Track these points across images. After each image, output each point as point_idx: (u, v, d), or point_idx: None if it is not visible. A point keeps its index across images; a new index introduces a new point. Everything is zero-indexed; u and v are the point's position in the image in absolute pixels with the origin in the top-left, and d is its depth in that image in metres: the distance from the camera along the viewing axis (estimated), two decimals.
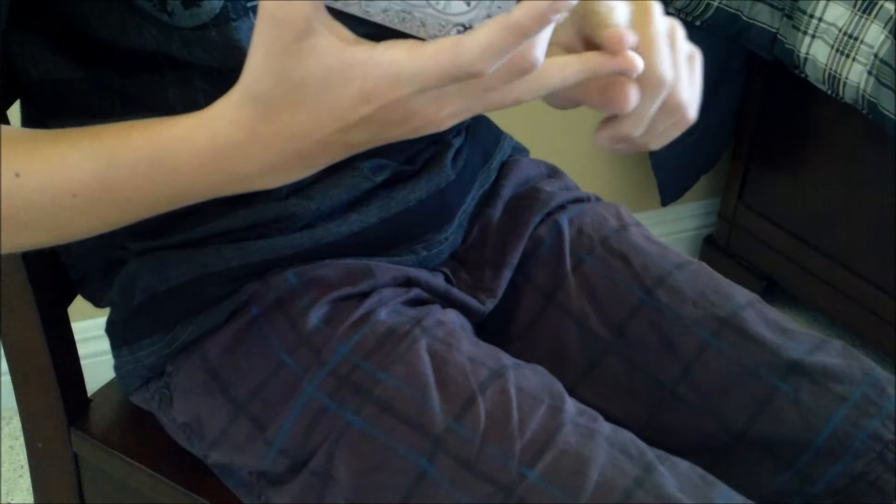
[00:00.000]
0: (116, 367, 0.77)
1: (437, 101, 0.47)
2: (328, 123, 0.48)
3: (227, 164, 0.51)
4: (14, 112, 0.71)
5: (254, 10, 0.62)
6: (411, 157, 0.74)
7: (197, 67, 0.63)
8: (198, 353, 0.70)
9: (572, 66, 0.50)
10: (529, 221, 0.79)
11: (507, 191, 0.82)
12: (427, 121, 0.48)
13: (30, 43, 0.65)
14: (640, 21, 0.57)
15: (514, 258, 0.78)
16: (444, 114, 0.48)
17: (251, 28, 0.62)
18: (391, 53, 0.46)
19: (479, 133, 0.81)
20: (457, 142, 0.77)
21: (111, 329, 0.75)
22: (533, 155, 0.88)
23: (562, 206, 0.82)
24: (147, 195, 0.54)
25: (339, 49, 0.46)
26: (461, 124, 0.79)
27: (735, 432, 0.71)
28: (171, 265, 0.70)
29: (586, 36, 0.57)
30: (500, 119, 0.87)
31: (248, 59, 0.48)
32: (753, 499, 0.70)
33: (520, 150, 0.87)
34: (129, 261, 0.71)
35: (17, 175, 0.53)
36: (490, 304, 0.76)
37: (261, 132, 0.49)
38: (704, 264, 0.79)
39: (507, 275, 0.77)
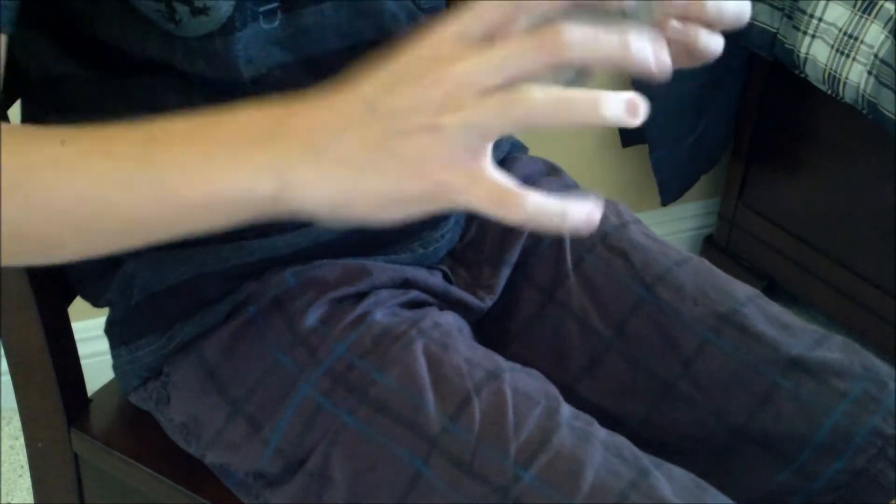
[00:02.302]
0: (115, 367, 0.77)
1: None
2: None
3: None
4: (14, 111, 0.72)
5: (263, 14, 0.62)
6: None
7: (197, 77, 0.63)
8: (195, 353, 0.70)
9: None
10: None
11: None
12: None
13: (33, 40, 0.65)
14: None
15: (513, 256, 0.78)
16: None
17: (254, 35, 0.62)
18: None
19: None
20: None
21: (110, 329, 0.75)
22: (533, 155, 0.88)
23: None
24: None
25: None
26: None
27: (735, 429, 0.71)
28: (169, 265, 0.70)
29: None
30: None
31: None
32: (755, 497, 0.70)
33: (518, 148, 0.87)
34: (126, 260, 0.71)
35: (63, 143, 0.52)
36: (489, 301, 0.77)
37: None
38: (704, 260, 0.79)
39: (505, 272, 0.78)
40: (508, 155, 0.85)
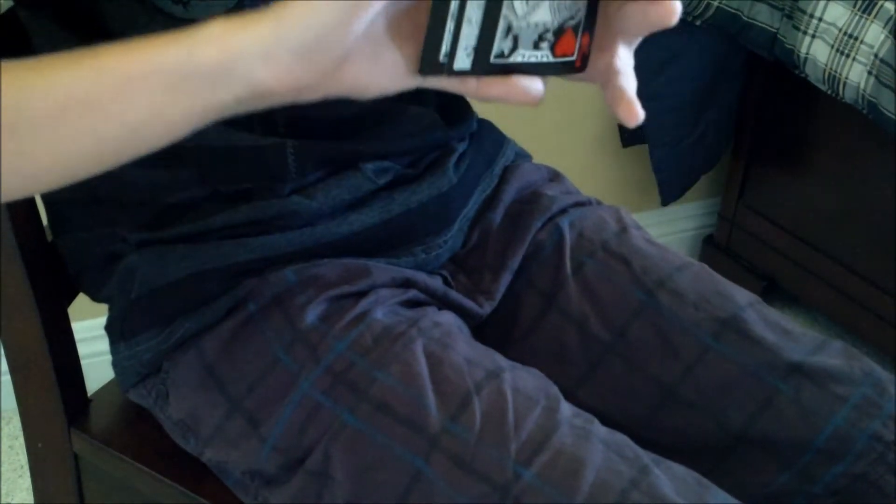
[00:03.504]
0: (114, 363, 0.77)
1: None
2: None
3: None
4: None
5: None
6: (415, 160, 0.74)
7: None
8: (195, 349, 0.70)
9: None
10: (531, 226, 0.79)
11: (509, 195, 0.82)
12: None
13: (45, 27, 0.66)
14: None
15: (515, 262, 0.78)
16: None
17: None
18: None
19: (483, 138, 0.81)
20: (461, 147, 0.77)
21: (109, 325, 0.75)
22: (533, 156, 0.88)
23: (563, 211, 0.82)
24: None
25: None
26: (466, 129, 0.79)
27: (736, 433, 0.71)
28: (171, 260, 0.70)
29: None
30: (501, 122, 0.87)
31: None
32: (754, 499, 0.70)
33: (522, 156, 0.87)
34: (127, 254, 0.71)
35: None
36: (488, 308, 0.76)
37: None
38: (705, 266, 0.79)
39: (506, 278, 0.78)
40: (512, 163, 0.85)
